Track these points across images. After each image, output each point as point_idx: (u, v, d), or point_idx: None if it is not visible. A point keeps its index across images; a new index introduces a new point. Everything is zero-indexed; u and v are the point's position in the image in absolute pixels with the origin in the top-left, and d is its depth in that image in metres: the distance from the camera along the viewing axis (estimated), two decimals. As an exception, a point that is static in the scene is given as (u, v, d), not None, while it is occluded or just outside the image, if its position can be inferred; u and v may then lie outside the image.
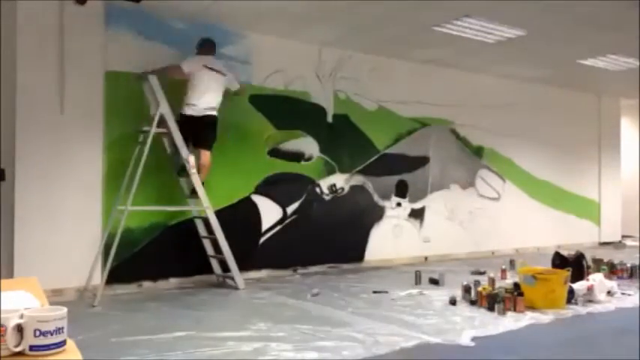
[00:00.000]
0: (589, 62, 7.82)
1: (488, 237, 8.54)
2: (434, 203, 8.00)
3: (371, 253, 7.37)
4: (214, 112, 5.55)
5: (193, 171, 5.45)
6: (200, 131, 5.52)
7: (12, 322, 1.08)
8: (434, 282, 5.91)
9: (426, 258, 7.72)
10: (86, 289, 5.22)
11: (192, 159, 5.45)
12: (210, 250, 5.90)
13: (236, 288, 5.61)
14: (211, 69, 5.53)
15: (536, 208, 9.36)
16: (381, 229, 7.50)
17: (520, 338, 4.00)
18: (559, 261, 5.61)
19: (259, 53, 6.49)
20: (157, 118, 5.30)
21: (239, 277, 5.65)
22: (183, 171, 5.58)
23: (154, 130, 5.26)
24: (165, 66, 5.49)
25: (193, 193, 5.59)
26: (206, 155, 5.58)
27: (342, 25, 6.21)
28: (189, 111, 5.48)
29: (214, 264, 5.92)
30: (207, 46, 5.70)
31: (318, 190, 6.95)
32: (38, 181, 5.08)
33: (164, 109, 5.35)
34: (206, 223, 5.77)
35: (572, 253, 5.89)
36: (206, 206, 5.55)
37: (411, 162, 7.83)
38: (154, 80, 5.35)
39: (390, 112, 7.62)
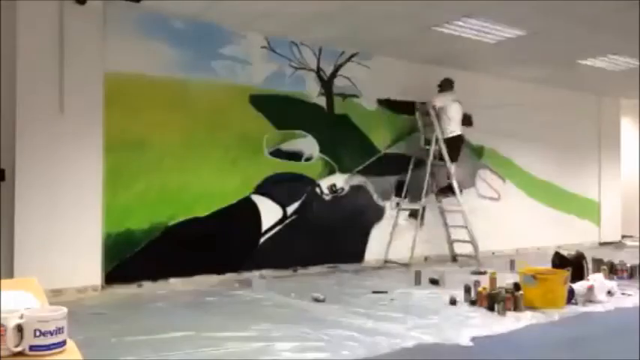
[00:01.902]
0: (589, 62, 7.83)
1: (488, 237, 8.53)
2: (434, 203, 7.99)
3: (371, 253, 7.37)
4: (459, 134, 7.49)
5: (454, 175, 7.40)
6: (453, 149, 7.45)
7: (12, 322, 1.08)
8: (434, 282, 5.91)
9: (425, 258, 7.72)
10: (86, 289, 5.22)
11: (452, 168, 7.39)
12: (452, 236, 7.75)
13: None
14: (457, 101, 7.46)
15: (536, 208, 9.36)
16: (380, 229, 7.50)
17: (520, 338, 4.00)
18: (559, 261, 5.61)
19: (259, 53, 6.50)
20: (434, 140, 7.33)
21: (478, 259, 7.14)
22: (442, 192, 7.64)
23: (433, 147, 7.35)
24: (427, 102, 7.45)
25: (448, 190, 7.51)
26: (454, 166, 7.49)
27: (342, 25, 6.21)
28: (447, 135, 7.38)
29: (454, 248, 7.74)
30: (449, 84, 7.54)
31: (318, 190, 6.95)
32: (38, 180, 5.08)
33: (438, 134, 7.35)
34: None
35: (573, 253, 5.88)
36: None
37: (410, 162, 7.81)
38: (431, 111, 7.41)
39: (390, 111, 7.62)
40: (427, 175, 7.44)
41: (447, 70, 8.12)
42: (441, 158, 7.45)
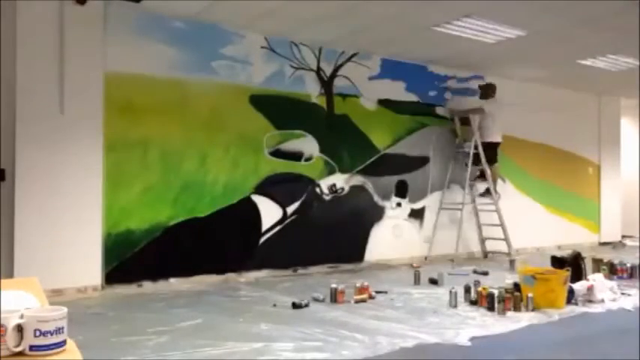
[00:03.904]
0: (589, 62, 7.82)
1: (488, 237, 8.53)
2: (434, 203, 8.00)
3: (371, 253, 7.38)
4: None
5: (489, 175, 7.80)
6: (492, 153, 7.92)
7: (12, 322, 1.08)
8: (434, 282, 5.91)
9: (425, 258, 7.72)
10: (86, 289, 5.22)
11: (488, 170, 7.76)
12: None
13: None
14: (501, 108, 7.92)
15: (536, 208, 9.36)
16: (381, 229, 7.50)
17: (520, 338, 4.00)
18: (557, 264, 5.60)
19: (259, 53, 6.50)
20: (472, 144, 7.73)
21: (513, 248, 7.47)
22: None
23: (472, 151, 7.70)
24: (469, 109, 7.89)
25: (485, 192, 7.88)
26: (494, 167, 7.96)
27: (342, 25, 6.21)
28: (487, 139, 7.82)
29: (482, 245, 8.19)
30: (493, 90, 7.94)
31: (318, 190, 6.95)
32: (38, 181, 5.08)
33: (477, 138, 7.76)
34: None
35: (569, 252, 5.87)
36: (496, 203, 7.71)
37: (411, 162, 7.83)
38: (474, 118, 7.78)
39: (390, 111, 7.62)
40: (467, 176, 7.82)
41: (448, 69, 8.15)
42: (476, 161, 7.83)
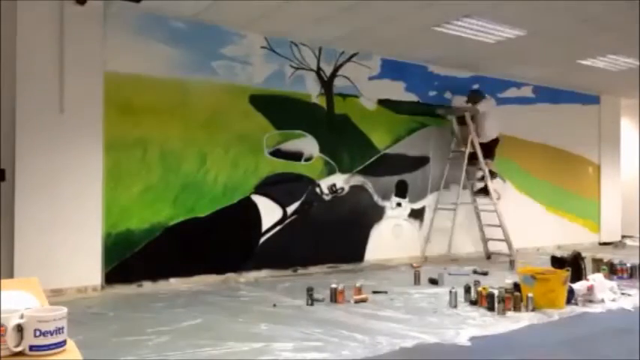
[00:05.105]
0: (589, 62, 7.83)
1: (488, 237, 8.53)
2: (434, 203, 8.00)
3: (371, 253, 7.37)
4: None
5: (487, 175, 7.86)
6: (489, 151, 8.07)
7: (12, 322, 1.08)
8: (433, 282, 5.91)
9: (426, 258, 7.72)
10: (86, 289, 5.22)
11: (486, 169, 7.82)
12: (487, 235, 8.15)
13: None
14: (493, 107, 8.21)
15: (536, 208, 9.35)
16: (381, 229, 7.50)
17: (519, 338, 4.00)
18: (557, 264, 5.60)
19: (259, 53, 6.50)
20: (468, 143, 7.73)
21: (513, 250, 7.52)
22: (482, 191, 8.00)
23: (468, 150, 7.72)
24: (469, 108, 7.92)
25: (483, 192, 7.96)
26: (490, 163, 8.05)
27: (342, 25, 6.21)
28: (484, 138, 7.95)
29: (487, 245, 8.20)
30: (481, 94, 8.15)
31: (318, 190, 6.95)
32: (38, 180, 5.08)
33: (474, 137, 7.79)
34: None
35: (569, 252, 5.87)
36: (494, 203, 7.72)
37: (411, 162, 7.83)
38: (468, 119, 7.80)
39: (390, 111, 7.62)
40: (462, 176, 7.78)
41: (447, 69, 8.14)
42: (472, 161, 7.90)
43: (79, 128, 5.29)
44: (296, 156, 6.79)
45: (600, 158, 10.50)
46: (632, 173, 11.17)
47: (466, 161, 7.76)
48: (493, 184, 7.94)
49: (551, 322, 4.42)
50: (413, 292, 5.48)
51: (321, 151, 6.98)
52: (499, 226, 7.67)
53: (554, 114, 9.45)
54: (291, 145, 6.74)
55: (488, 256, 8.21)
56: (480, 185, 8.09)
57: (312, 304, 4.85)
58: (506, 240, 7.62)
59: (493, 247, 8.17)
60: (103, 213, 5.44)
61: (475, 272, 6.59)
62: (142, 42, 5.69)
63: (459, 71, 8.30)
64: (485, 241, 8.28)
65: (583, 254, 5.80)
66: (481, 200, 8.10)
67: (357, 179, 7.33)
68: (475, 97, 8.05)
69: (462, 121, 7.97)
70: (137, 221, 5.64)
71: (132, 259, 5.59)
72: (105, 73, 5.45)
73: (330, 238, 6.97)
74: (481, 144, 7.87)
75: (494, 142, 8.13)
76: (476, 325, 4.24)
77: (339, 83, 7.15)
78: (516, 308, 4.63)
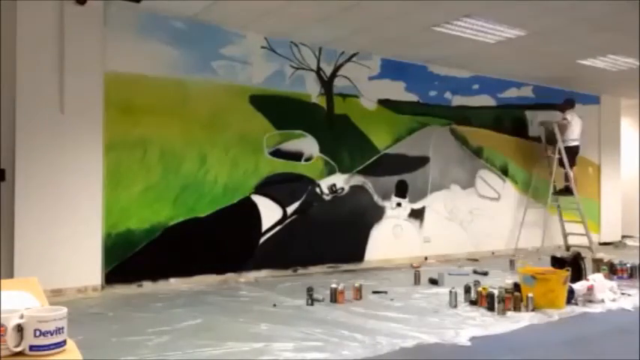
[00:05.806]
0: (589, 62, 7.83)
1: (488, 237, 8.54)
2: (434, 203, 8.00)
3: (371, 253, 7.37)
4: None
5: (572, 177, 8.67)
6: (572, 156, 8.81)
7: (12, 322, 1.08)
8: (433, 282, 5.91)
9: (426, 258, 7.72)
10: (86, 289, 5.22)
11: (570, 172, 8.62)
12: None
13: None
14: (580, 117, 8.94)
15: (536, 208, 9.34)
16: (381, 229, 7.50)
17: (519, 338, 4.00)
18: (557, 264, 5.60)
19: (259, 53, 6.50)
20: (556, 149, 8.60)
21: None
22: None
23: (557, 156, 8.59)
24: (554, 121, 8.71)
25: (567, 191, 8.76)
26: (574, 170, 8.79)
27: (342, 25, 6.21)
28: (570, 143, 8.73)
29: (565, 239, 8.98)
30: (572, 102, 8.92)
31: (318, 190, 6.95)
32: (38, 180, 5.08)
33: (560, 144, 8.60)
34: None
35: (569, 253, 5.88)
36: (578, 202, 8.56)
37: (411, 162, 7.83)
38: (555, 127, 8.65)
39: (390, 111, 7.63)
40: (552, 178, 8.67)
41: (447, 69, 8.14)
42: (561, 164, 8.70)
43: (79, 128, 5.29)
44: (296, 156, 6.79)
45: (600, 158, 10.50)
46: (632, 173, 11.17)
47: (556, 164, 8.64)
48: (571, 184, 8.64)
49: (551, 322, 4.43)
50: (413, 292, 5.48)
51: (321, 151, 6.98)
52: (580, 222, 8.49)
53: (554, 114, 9.42)
54: (291, 145, 6.74)
55: (568, 248, 8.81)
56: (561, 186, 8.89)
57: (312, 304, 4.86)
58: (587, 235, 8.47)
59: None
60: (103, 213, 5.44)
61: (475, 272, 6.59)
62: (141, 42, 5.69)
63: (459, 71, 8.31)
64: (565, 235, 9.04)
65: (583, 254, 5.81)
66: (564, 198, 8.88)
67: (357, 179, 7.33)
68: (569, 104, 8.81)
69: (549, 130, 8.83)
70: (137, 221, 5.64)
71: (132, 259, 5.59)
72: (105, 73, 5.46)
73: (330, 238, 6.97)
74: (566, 149, 8.59)
75: (575, 149, 8.85)
76: (476, 325, 4.24)
77: (339, 83, 7.15)
78: (516, 308, 4.63)
